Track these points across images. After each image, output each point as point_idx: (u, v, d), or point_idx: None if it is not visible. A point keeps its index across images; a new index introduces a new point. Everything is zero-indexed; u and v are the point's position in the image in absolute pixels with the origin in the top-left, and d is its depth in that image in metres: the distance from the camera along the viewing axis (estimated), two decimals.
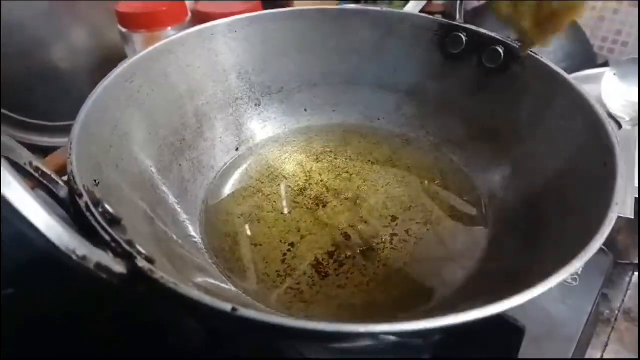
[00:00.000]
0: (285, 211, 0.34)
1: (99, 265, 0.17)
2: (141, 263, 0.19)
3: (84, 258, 0.17)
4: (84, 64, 0.62)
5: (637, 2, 0.66)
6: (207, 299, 0.18)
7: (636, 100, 0.51)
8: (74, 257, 0.16)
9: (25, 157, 0.22)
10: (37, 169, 0.22)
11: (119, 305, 0.35)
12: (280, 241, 0.32)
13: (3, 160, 0.15)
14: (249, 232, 0.33)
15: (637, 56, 0.54)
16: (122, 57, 0.59)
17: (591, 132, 0.28)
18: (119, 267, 0.18)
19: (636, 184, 0.41)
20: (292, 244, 0.32)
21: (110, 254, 0.19)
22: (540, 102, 0.33)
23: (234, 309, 0.17)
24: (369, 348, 0.28)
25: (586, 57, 0.63)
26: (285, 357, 0.30)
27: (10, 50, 0.56)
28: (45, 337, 0.34)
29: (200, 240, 0.32)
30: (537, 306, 0.35)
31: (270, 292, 0.29)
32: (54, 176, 0.23)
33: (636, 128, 0.49)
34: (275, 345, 0.30)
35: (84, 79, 0.62)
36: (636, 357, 0.40)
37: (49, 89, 0.60)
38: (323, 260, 0.31)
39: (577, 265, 0.21)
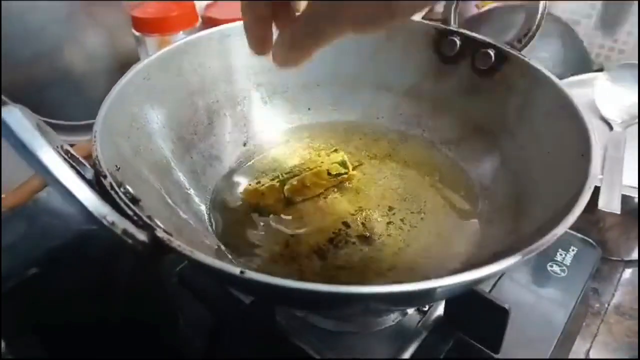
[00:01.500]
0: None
1: (125, 232, 0.20)
2: (160, 234, 0.21)
3: (113, 223, 0.19)
4: (99, 66, 0.65)
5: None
6: (219, 263, 0.20)
7: (628, 103, 0.54)
8: (104, 222, 0.19)
9: (57, 140, 0.24)
10: (67, 152, 0.24)
11: (124, 303, 0.37)
12: (286, 227, 0.35)
13: (52, 149, 0.18)
14: (255, 220, 0.35)
15: (630, 62, 0.56)
16: (136, 59, 0.62)
17: (572, 127, 0.30)
18: (142, 236, 0.21)
19: (625, 182, 0.43)
20: (295, 229, 0.34)
21: (133, 226, 0.21)
22: (526, 100, 0.35)
23: (242, 272, 0.20)
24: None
25: (582, 63, 0.66)
26: (286, 357, 0.32)
27: (28, 52, 0.59)
28: (67, 319, 0.36)
29: (209, 225, 0.34)
30: (525, 294, 0.37)
31: (273, 270, 0.31)
32: (81, 159, 0.25)
33: (625, 131, 0.51)
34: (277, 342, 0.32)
35: (99, 80, 0.65)
36: (623, 346, 0.42)
37: (65, 90, 0.63)
38: (323, 245, 0.33)
39: (542, 245, 0.22)
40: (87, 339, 0.35)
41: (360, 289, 0.20)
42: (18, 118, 0.19)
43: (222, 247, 0.32)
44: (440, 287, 0.20)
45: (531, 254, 0.22)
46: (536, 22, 0.35)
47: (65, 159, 0.24)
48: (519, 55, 0.36)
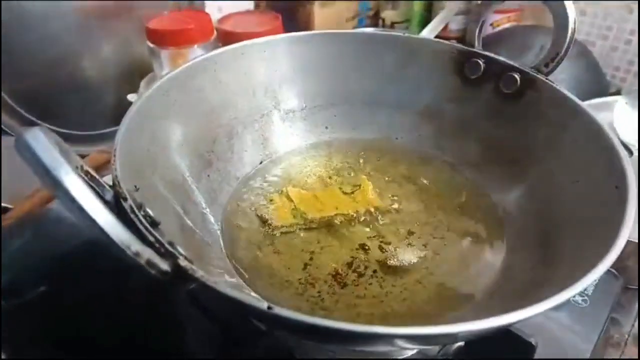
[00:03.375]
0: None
1: (149, 262, 0.19)
2: (183, 262, 0.21)
3: (137, 254, 0.18)
4: (112, 77, 0.65)
5: None
6: (246, 297, 0.19)
7: None
8: (128, 252, 0.18)
9: (76, 161, 0.23)
10: (87, 173, 0.23)
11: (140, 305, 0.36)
12: (302, 250, 0.34)
13: (75, 174, 0.17)
14: (271, 242, 0.34)
15: None
16: (149, 71, 0.62)
17: (604, 156, 0.29)
18: (164, 265, 0.20)
19: None
20: (312, 253, 0.33)
21: (156, 254, 0.20)
22: (554, 128, 0.34)
23: (269, 307, 0.19)
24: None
25: (598, 85, 0.65)
26: (297, 359, 0.31)
27: (43, 61, 0.58)
28: (75, 332, 0.35)
29: (223, 246, 0.34)
30: (548, 325, 0.36)
31: (292, 298, 0.30)
32: (99, 179, 0.24)
33: None
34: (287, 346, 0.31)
35: (112, 91, 0.65)
36: None
37: (78, 99, 0.62)
38: (342, 271, 0.32)
39: (583, 284, 0.21)
40: (95, 351, 0.35)
41: (398, 330, 0.18)
42: (41, 141, 0.18)
43: (240, 270, 0.31)
44: (476, 329, 0.19)
45: (570, 296, 0.21)
46: (564, 47, 0.35)
47: (85, 181, 0.23)
48: (546, 81, 0.35)
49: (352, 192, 0.38)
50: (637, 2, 0.66)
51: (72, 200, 0.17)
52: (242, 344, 0.34)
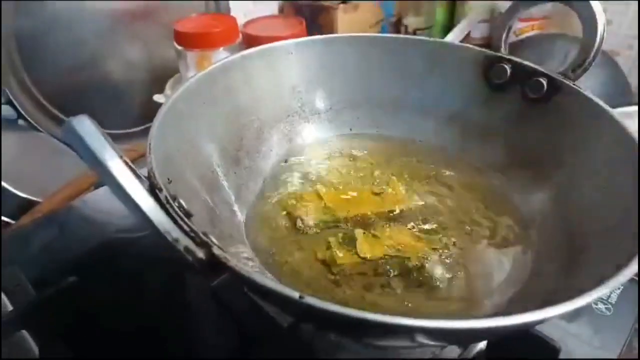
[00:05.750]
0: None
1: (187, 249, 0.19)
2: (217, 251, 0.21)
3: (176, 240, 0.19)
4: (138, 78, 0.66)
5: None
6: (278, 286, 0.20)
7: None
8: (169, 238, 0.18)
9: (118, 150, 0.24)
10: (125, 163, 0.24)
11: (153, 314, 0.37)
12: (327, 249, 0.34)
13: (119, 159, 0.18)
14: (297, 239, 0.35)
15: None
16: (175, 73, 0.63)
17: (631, 162, 0.29)
18: (200, 253, 0.20)
19: None
20: (339, 252, 0.34)
21: (192, 242, 0.21)
22: (581, 133, 0.34)
23: (301, 297, 0.19)
24: None
25: (623, 95, 0.64)
26: (315, 358, 0.31)
27: (71, 62, 0.60)
28: (98, 327, 0.36)
29: (248, 241, 0.34)
30: (571, 333, 0.35)
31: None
32: (137, 171, 0.25)
33: None
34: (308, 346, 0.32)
35: (138, 91, 0.66)
36: None
37: (104, 99, 0.64)
38: (367, 272, 0.32)
39: (603, 290, 0.21)
40: (116, 348, 0.35)
41: (421, 323, 0.19)
42: (88, 127, 0.19)
43: (266, 267, 0.32)
44: (497, 326, 0.20)
45: (591, 300, 0.21)
46: (592, 54, 0.35)
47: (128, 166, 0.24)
48: (574, 86, 0.35)
49: (381, 193, 0.38)
50: None
51: (117, 185, 0.18)
52: (260, 343, 0.34)
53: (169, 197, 0.24)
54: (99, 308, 0.37)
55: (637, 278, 0.40)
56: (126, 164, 0.24)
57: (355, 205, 0.36)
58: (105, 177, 0.18)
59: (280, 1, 0.78)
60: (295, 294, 0.19)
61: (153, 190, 0.24)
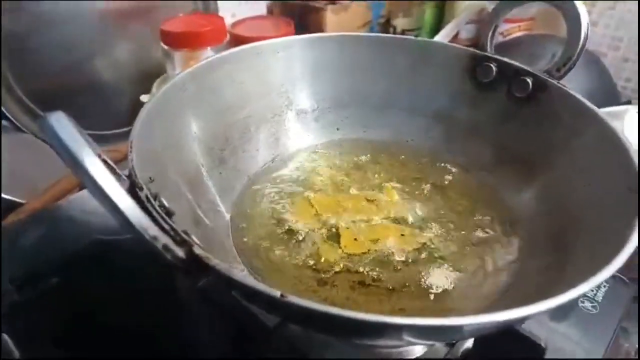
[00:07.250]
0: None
1: (166, 247, 0.19)
2: (198, 250, 0.21)
3: (154, 238, 0.18)
4: (126, 78, 0.66)
5: None
6: (260, 285, 0.19)
7: None
8: (146, 236, 0.18)
9: (96, 148, 0.24)
10: (104, 161, 0.24)
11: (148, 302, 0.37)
12: (313, 251, 0.34)
13: (96, 157, 0.17)
14: (281, 240, 0.35)
15: None
16: (162, 73, 0.63)
17: (616, 159, 0.29)
18: (180, 252, 0.20)
19: None
20: (326, 254, 0.33)
21: (172, 241, 0.20)
22: (566, 131, 0.34)
23: (282, 295, 0.19)
24: None
25: (609, 95, 0.65)
26: (309, 358, 0.31)
27: (60, 62, 0.59)
28: (87, 328, 0.35)
29: (233, 241, 0.34)
30: (557, 332, 0.35)
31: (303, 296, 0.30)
32: (117, 170, 0.25)
33: None
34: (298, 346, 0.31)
35: (126, 92, 0.66)
36: None
37: (92, 100, 0.63)
38: (352, 269, 0.32)
39: (588, 285, 0.21)
40: (107, 348, 0.35)
41: (405, 321, 0.19)
42: (64, 124, 0.19)
43: (250, 268, 0.31)
44: (482, 323, 0.20)
45: (577, 296, 0.21)
46: (577, 52, 0.35)
47: (106, 164, 0.24)
48: (559, 85, 0.35)
49: (374, 200, 0.38)
50: None
51: (94, 182, 0.17)
52: (252, 342, 0.34)
53: (149, 196, 0.23)
54: (86, 308, 0.37)
55: (623, 276, 0.40)
56: (104, 161, 0.23)
57: (348, 212, 0.36)
58: (80, 175, 0.18)
59: (269, 1, 0.78)
60: (277, 293, 0.19)
61: (133, 188, 0.24)
